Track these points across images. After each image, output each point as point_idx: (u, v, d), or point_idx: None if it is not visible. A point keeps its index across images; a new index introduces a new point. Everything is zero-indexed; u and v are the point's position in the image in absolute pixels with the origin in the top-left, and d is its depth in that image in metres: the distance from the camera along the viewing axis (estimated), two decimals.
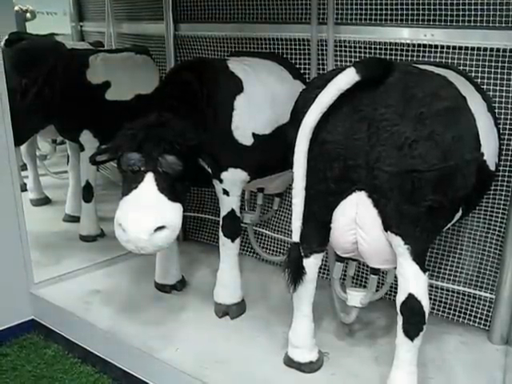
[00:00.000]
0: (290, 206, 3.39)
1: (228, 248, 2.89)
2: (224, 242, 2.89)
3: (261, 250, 3.54)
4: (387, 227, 2.06)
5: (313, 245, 2.31)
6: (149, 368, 2.69)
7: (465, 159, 1.94)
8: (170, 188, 2.29)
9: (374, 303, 3.00)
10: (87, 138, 3.73)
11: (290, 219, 3.38)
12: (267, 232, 3.62)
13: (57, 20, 8.08)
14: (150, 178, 2.28)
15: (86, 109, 3.63)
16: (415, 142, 1.89)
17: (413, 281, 2.04)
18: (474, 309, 2.86)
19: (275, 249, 3.59)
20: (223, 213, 2.86)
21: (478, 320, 2.85)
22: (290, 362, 2.53)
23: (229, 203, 2.84)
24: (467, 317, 2.89)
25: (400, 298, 2.08)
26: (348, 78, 1.95)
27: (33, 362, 3.01)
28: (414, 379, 2.16)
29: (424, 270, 2.05)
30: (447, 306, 2.94)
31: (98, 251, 3.75)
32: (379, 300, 3.02)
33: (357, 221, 2.13)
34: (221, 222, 2.89)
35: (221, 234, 2.89)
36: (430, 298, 2.92)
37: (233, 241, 2.88)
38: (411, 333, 2.08)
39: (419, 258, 2.04)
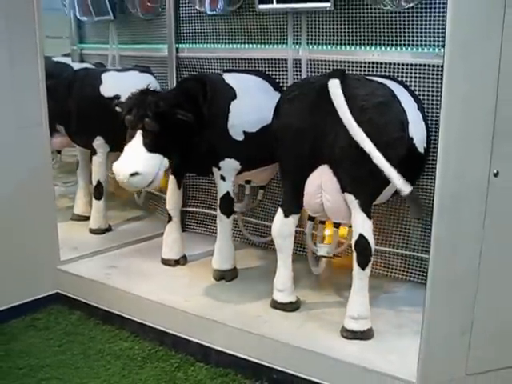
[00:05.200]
0: (272, 196, 4.61)
1: (224, 223, 4.05)
2: (221, 217, 4.05)
3: (248, 233, 4.70)
4: (343, 189, 3.24)
5: (291, 207, 3.48)
6: (162, 317, 3.78)
7: (393, 137, 3.16)
8: (151, 142, 3.53)
9: (345, 271, 4.14)
10: (100, 143, 4.89)
11: (272, 208, 4.60)
12: (253, 220, 4.80)
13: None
14: (138, 135, 3.55)
15: (99, 118, 4.75)
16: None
17: (361, 225, 3.21)
18: (422, 269, 4.03)
19: (259, 233, 4.76)
20: (220, 194, 4.02)
21: (425, 278, 4.01)
22: (274, 304, 3.66)
23: (225, 187, 4.01)
24: (416, 276, 4.05)
25: (354, 239, 3.24)
26: (336, 84, 3.12)
27: (62, 324, 4.10)
28: (366, 302, 3.30)
29: (369, 218, 3.23)
30: (400, 268, 4.11)
31: (109, 240, 4.90)
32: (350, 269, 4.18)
33: (322, 187, 3.31)
34: (218, 202, 4.05)
35: (218, 211, 4.05)
36: (384, 263, 4.12)
37: (228, 217, 4.04)
38: (362, 263, 3.23)
39: (366, 209, 3.22)
